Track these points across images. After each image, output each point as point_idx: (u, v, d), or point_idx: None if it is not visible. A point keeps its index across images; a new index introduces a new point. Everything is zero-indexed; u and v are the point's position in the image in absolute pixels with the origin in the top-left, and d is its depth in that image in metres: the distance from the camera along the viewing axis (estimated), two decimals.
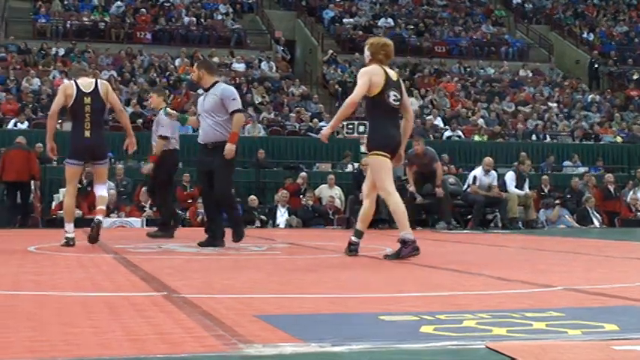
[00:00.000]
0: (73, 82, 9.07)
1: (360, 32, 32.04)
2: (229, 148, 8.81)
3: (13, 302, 4.06)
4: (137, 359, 2.65)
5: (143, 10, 31.12)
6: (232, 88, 9.42)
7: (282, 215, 17.33)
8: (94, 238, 8.89)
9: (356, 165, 18.40)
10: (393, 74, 7.50)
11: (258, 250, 9.05)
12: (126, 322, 3.37)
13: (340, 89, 26.74)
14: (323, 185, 18.51)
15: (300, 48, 33.15)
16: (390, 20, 33.36)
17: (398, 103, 7.37)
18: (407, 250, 7.12)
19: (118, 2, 31.18)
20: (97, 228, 8.90)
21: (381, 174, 7.25)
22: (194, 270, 6.27)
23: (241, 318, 3.46)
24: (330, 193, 18.00)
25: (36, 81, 24.14)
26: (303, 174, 18.77)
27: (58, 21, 29.81)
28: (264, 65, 28.57)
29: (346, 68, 29.00)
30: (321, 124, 21.87)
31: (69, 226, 8.90)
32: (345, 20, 33.10)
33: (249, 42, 31.06)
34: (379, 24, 33.00)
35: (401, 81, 7.66)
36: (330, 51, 30.02)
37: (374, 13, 34.11)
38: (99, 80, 9.32)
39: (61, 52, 27.40)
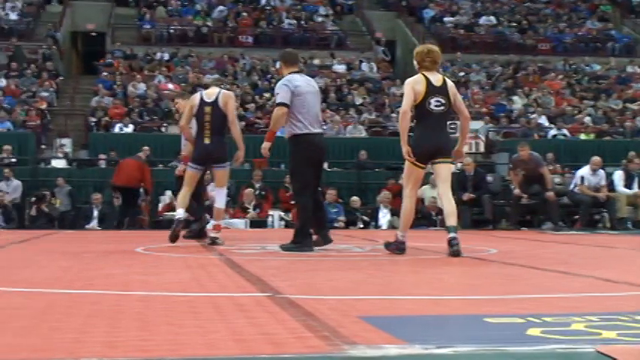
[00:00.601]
0: (200, 92, 9.69)
1: (462, 31, 31.75)
2: (262, 147, 8.52)
3: (122, 302, 4.15)
4: (242, 359, 2.67)
5: (244, 13, 31.53)
6: (283, 81, 8.62)
7: (384, 216, 17.27)
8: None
9: (459, 165, 18.21)
10: (437, 80, 7.79)
11: (360, 251, 9.05)
12: (231, 322, 3.40)
13: None
14: (425, 186, 18.32)
15: (401, 48, 33.04)
16: (491, 18, 32.95)
17: (441, 108, 7.72)
18: (393, 246, 7.91)
19: (220, 7, 31.66)
20: (214, 244, 9.41)
21: (405, 177, 7.95)
22: (297, 271, 6.30)
23: (344, 319, 3.46)
24: (433, 194, 17.81)
25: (142, 86, 24.68)
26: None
27: (162, 26, 30.46)
28: (364, 66, 28.56)
29: (448, 68, 28.76)
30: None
31: (180, 210, 9.48)
32: (445, 19, 32.82)
33: (349, 43, 31.11)
34: (480, 22, 32.63)
35: (450, 85, 7.88)
36: None
37: (475, 11, 33.73)
38: (222, 91, 9.61)
39: (166, 56, 27.99)
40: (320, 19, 32.16)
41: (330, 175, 17.78)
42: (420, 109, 7.73)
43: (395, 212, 17.42)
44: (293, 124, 8.40)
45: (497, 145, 20.99)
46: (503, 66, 29.28)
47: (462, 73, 28.24)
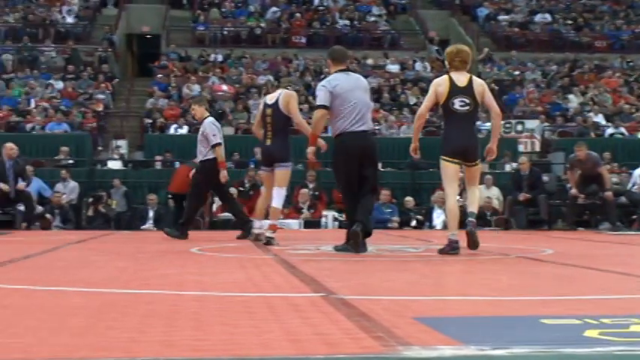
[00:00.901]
0: (266, 96, 10.12)
1: (517, 29, 31.42)
2: (307, 151, 8.55)
3: (177, 302, 4.18)
4: (297, 359, 2.68)
5: (298, 14, 31.59)
6: (322, 82, 8.53)
7: (438, 216, 17.18)
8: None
9: (514, 165, 18.04)
10: (462, 80, 7.90)
11: (414, 251, 9.02)
12: (285, 322, 3.41)
13: (497, 88, 26.17)
14: (480, 186, 18.21)
15: None
16: (547, 16, 32.58)
17: (466, 108, 7.86)
18: (447, 248, 7.84)
19: (274, 8, 31.77)
20: (268, 244, 9.38)
21: (443, 178, 8.28)
22: (351, 272, 6.30)
23: (399, 320, 3.44)
24: (488, 194, 17.70)
25: (196, 87, 24.87)
26: (460, 174, 18.54)
27: (216, 28, 30.66)
28: (418, 66, 28.45)
29: (503, 67, 28.51)
30: (478, 123, 21.58)
31: (257, 223, 10.04)
32: (500, 17, 32.54)
33: (402, 43, 31.01)
34: (536, 20, 32.29)
35: (476, 84, 7.96)
36: (486, 49, 29.58)
37: (530, 9, 33.37)
38: (284, 91, 9.72)
39: (219, 58, 28.16)
40: (373, 18, 32.10)
41: (384, 175, 17.71)
42: (445, 109, 7.95)
43: None
44: (334, 124, 8.35)
45: (552, 145, 20.73)
46: (558, 64, 28.94)
47: (517, 72, 27.97)
